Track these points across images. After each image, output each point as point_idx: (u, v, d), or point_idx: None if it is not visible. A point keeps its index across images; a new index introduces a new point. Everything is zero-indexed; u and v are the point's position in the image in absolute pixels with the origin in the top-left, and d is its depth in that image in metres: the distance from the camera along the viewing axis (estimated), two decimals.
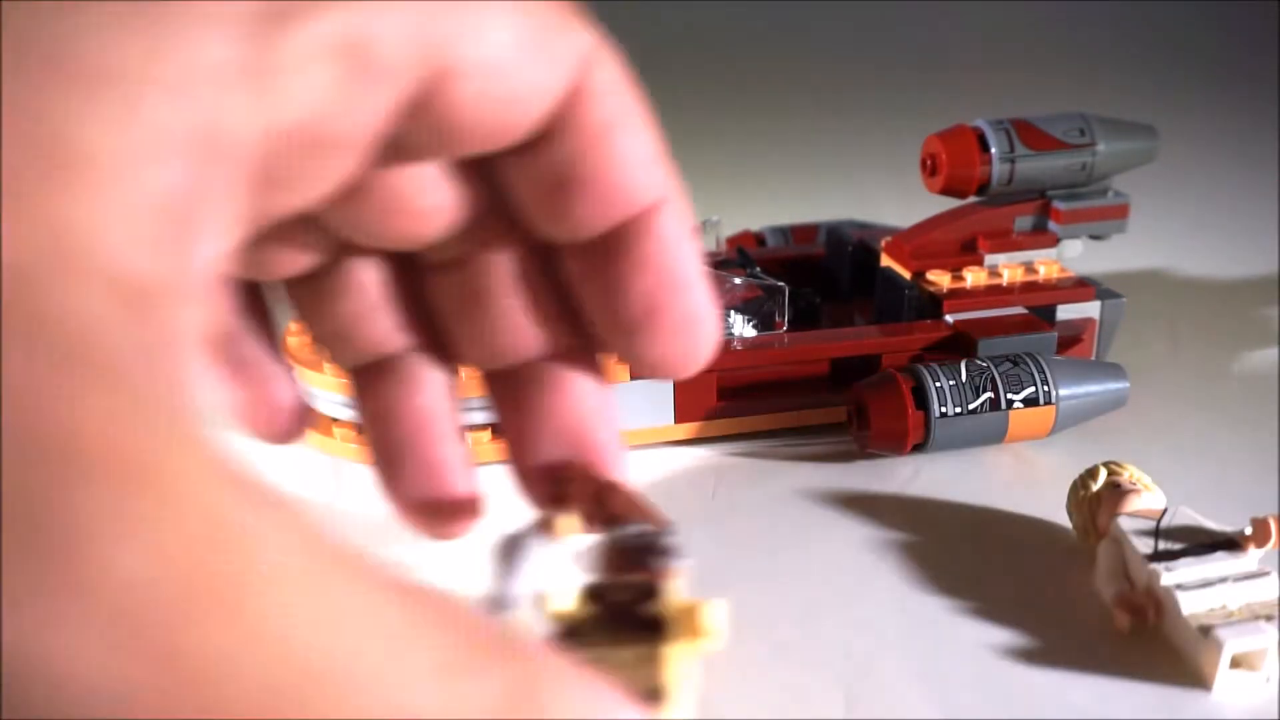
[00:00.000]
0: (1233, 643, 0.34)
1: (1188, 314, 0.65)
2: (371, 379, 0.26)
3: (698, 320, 0.24)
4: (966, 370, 0.47)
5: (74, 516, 0.12)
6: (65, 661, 0.12)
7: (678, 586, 0.35)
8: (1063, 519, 0.44)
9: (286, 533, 0.14)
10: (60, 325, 0.13)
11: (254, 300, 0.26)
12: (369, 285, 0.25)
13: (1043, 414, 0.47)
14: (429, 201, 0.22)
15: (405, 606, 0.14)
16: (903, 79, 1.30)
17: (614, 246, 0.23)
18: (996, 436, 0.48)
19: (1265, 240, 0.77)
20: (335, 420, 0.50)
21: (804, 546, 0.43)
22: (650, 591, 0.34)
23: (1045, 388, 0.47)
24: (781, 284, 0.51)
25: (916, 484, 0.48)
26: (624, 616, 0.34)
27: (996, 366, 0.47)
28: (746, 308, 0.52)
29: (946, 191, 0.54)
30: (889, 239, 0.58)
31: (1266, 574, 0.36)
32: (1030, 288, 0.54)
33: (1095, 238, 0.57)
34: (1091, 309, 0.54)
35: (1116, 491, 0.41)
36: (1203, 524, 0.38)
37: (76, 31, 0.15)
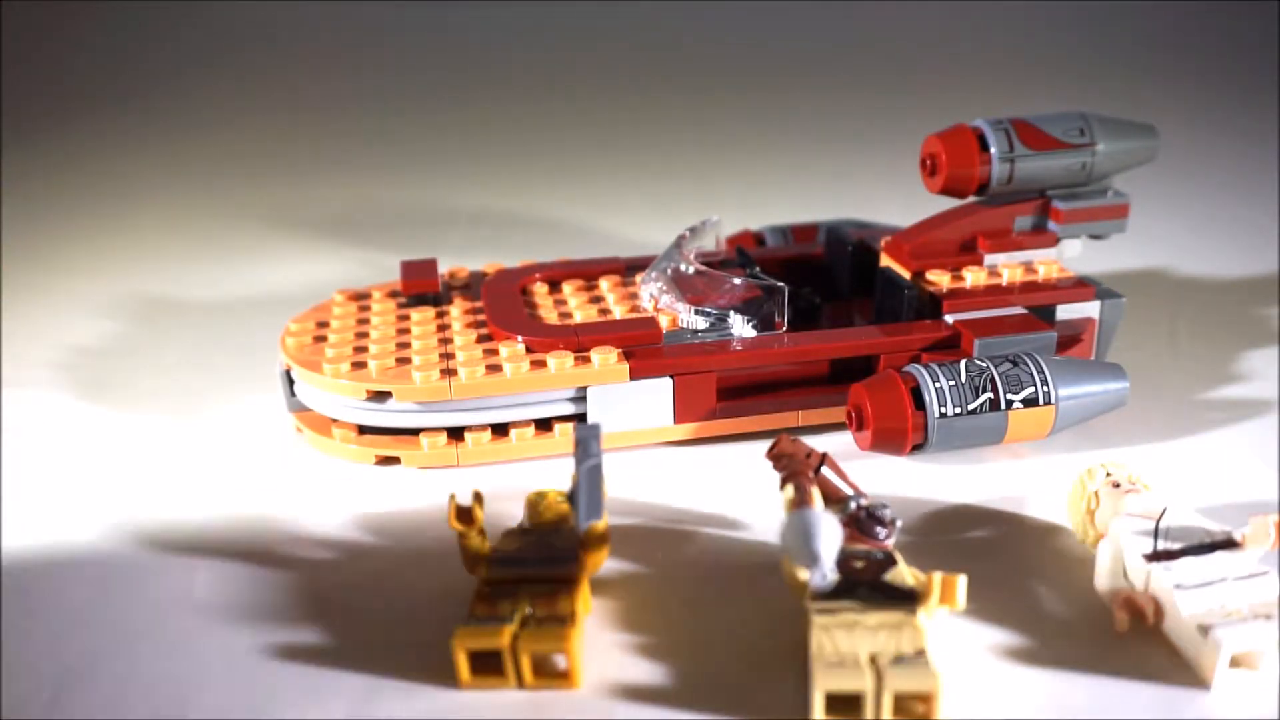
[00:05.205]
0: (1232, 642, 0.34)
1: (1188, 314, 0.65)
2: None
3: None
4: (966, 370, 0.47)
5: None
6: None
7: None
8: (1063, 519, 0.44)
9: None
10: None
11: None
12: None
13: (1042, 414, 0.47)
14: None
15: None
16: (903, 79, 1.30)
17: None
18: (996, 437, 0.48)
19: (1265, 240, 0.77)
20: (335, 420, 0.50)
21: None
22: (888, 561, 0.36)
23: (1045, 388, 0.47)
24: (781, 284, 0.51)
25: (916, 484, 0.48)
26: (872, 585, 0.36)
27: (996, 366, 0.47)
28: (746, 308, 0.52)
29: (946, 191, 0.54)
30: (889, 239, 0.58)
31: (1266, 574, 0.36)
32: (1030, 288, 0.54)
33: (1095, 237, 0.57)
34: (1091, 309, 0.54)
35: (1116, 491, 0.41)
36: (1202, 524, 0.38)
37: None
